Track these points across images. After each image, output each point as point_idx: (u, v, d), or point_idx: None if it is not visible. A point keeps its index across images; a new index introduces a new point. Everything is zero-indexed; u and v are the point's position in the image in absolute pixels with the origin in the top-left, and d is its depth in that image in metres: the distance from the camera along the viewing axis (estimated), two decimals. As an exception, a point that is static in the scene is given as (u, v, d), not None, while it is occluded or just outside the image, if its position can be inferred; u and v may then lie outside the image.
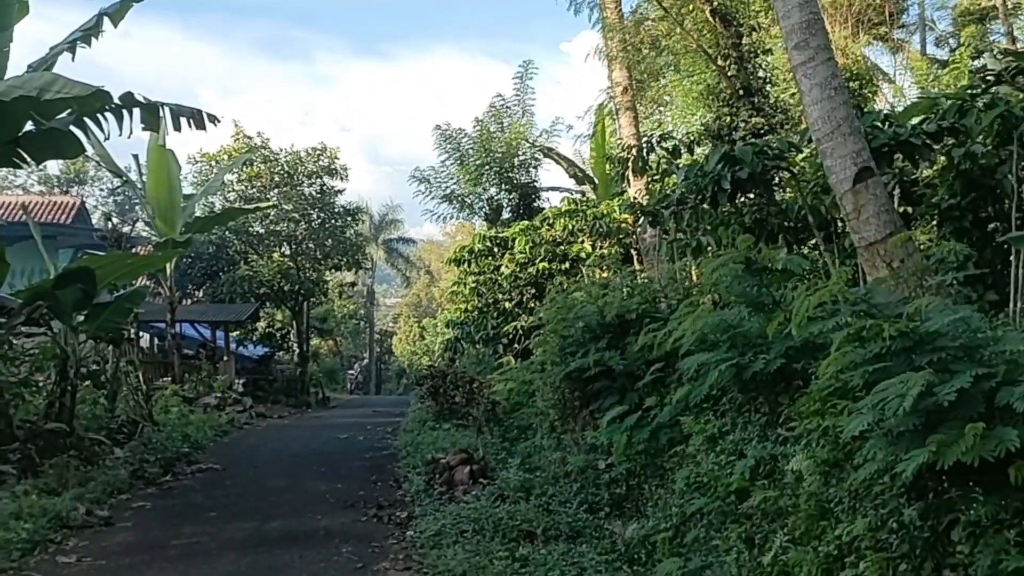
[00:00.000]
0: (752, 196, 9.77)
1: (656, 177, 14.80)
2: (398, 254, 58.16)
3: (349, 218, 34.42)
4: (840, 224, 8.84)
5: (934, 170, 8.92)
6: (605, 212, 19.00)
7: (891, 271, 6.65)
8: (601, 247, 18.63)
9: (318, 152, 32.99)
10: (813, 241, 9.65)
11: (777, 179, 9.84)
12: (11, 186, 42.83)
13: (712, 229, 9.94)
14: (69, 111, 10.38)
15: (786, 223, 9.63)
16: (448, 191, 24.49)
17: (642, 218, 12.77)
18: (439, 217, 25.85)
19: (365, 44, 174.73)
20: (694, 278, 10.62)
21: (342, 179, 33.68)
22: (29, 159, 11.35)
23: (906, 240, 6.86)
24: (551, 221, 19.76)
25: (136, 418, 15.21)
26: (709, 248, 10.07)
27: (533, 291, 18.94)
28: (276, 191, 31.66)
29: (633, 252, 18.03)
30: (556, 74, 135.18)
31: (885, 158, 8.07)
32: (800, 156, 9.60)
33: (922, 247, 7.79)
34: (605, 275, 16.25)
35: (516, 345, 18.78)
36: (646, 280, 12.07)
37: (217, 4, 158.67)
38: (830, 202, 8.54)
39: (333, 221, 33.42)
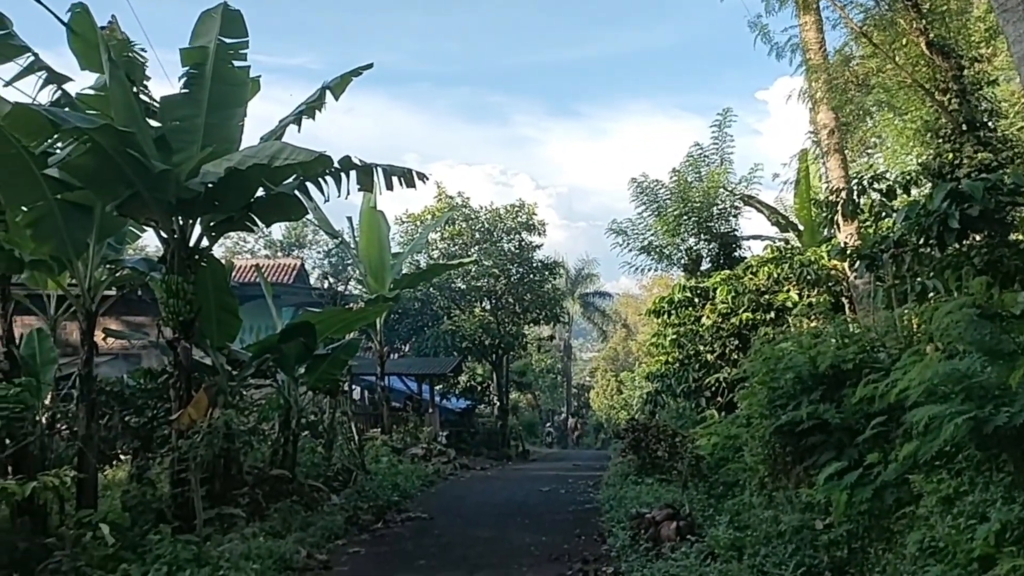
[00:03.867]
0: (982, 236, 8.99)
1: (867, 221, 14.03)
2: (594, 308, 58.23)
3: (547, 272, 34.97)
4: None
5: None
6: (813, 259, 18.19)
7: None
8: (809, 295, 17.79)
9: (516, 209, 33.95)
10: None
11: (1011, 218, 9.01)
12: (242, 251, 46.72)
13: (937, 272, 9.22)
14: (294, 176, 11.20)
15: (1024, 264, 8.77)
16: (645, 242, 24.27)
17: (855, 264, 12.09)
18: (636, 269, 25.65)
19: (560, 104, 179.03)
20: (915, 325, 9.86)
21: (539, 234, 34.46)
22: (260, 222, 12.33)
23: None
24: (754, 270, 19.12)
25: (350, 466, 15.95)
26: (934, 293, 9.34)
27: (736, 342, 18.31)
28: (476, 248, 32.74)
29: (844, 300, 17.10)
30: (752, 124, 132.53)
31: None
32: (1039, 191, 8.76)
33: None
34: (814, 324, 15.49)
35: (719, 398, 18.19)
36: (861, 328, 11.36)
37: (420, 74, 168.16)
38: (1076, 240, 7.72)
39: (531, 276, 34.08)
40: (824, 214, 15.15)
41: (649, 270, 26.53)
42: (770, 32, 15.97)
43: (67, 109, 10.56)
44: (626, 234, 24.63)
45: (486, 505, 15.41)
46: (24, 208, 10.49)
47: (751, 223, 56.57)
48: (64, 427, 11.11)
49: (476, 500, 16.25)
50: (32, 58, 10.51)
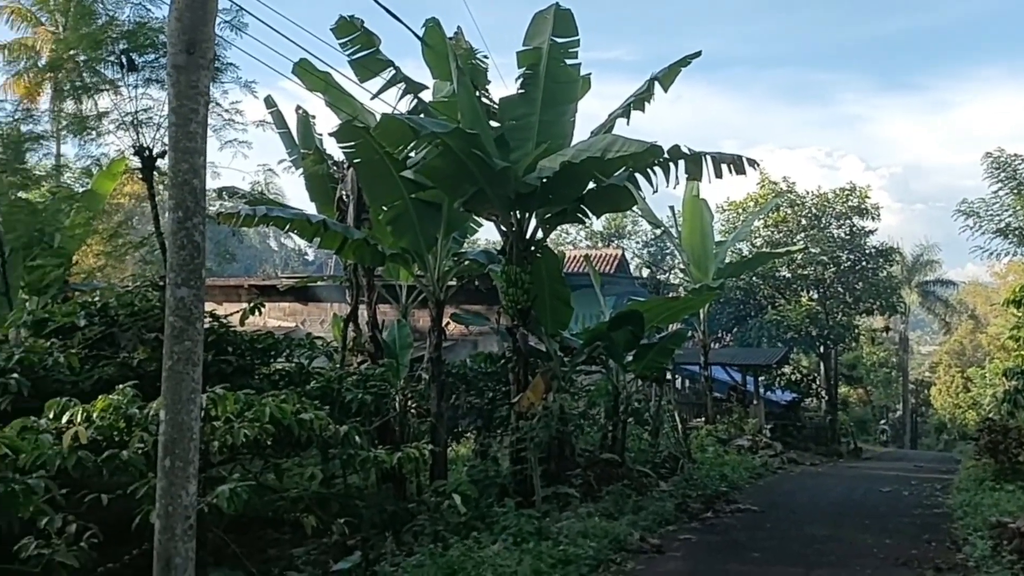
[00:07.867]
0: None
1: None
2: (935, 297, 53.24)
3: (881, 259, 32.79)
4: None
5: None
6: None
7: None
8: None
9: (846, 192, 32.19)
10: None
11: None
12: (564, 242, 48.50)
13: None
14: (624, 168, 11.43)
15: None
16: (1002, 224, 21.81)
17: None
18: (990, 254, 23.11)
19: (891, 77, 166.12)
20: None
21: (872, 219, 32.45)
22: (590, 214, 12.75)
23: None
24: None
25: (676, 454, 16.02)
26: None
27: (1121, 337, 15.95)
28: (803, 234, 31.49)
29: None
30: None
31: None
32: None
33: None
34: None
35: (1100, 400, 15.97)
36: None
37: (737, 58, 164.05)
38: None
39: (863, 263, 32.25)
40: None
41: (1006, 255, 23.84)
42: None
43: (422, 116, 11.60)
44: (978, 215, 22.32)
45: (820, 502, 14.74)
46: (385, 207, 11.77)
47: None
48: (415, 405, 12.22)
49: (809, 496, 15.60)
50: (393, 71, 11.66)
